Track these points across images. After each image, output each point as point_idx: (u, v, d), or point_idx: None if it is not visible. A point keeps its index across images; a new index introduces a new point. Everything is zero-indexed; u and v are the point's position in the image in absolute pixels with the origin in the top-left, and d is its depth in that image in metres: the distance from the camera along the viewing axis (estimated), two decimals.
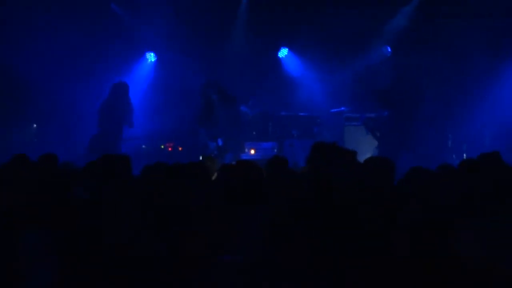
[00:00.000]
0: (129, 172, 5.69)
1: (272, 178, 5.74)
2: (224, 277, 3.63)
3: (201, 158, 11.01)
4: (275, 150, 13.55)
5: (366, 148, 12.76)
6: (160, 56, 15.66)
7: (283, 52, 15.83)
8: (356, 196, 4.81)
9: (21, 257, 4.04)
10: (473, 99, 14.09)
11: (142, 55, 15.68)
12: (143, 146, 12.80)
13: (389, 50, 15.27)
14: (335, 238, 4.00)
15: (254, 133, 14.04)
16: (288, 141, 13.93)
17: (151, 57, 15.72)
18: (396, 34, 15.12)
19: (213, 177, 7.96)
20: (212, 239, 4.09)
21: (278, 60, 15.92)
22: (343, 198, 4.87)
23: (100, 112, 12.28)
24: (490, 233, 4.42)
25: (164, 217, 4.45)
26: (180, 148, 14.59)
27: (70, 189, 5.27)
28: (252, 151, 13.52)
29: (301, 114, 14.63)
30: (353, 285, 3.72)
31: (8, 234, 4.25)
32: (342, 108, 14.52)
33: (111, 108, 12.21)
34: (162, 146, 14.42)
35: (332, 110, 14.72)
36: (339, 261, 3.84)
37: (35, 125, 15.04)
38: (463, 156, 13.33)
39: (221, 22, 15.22)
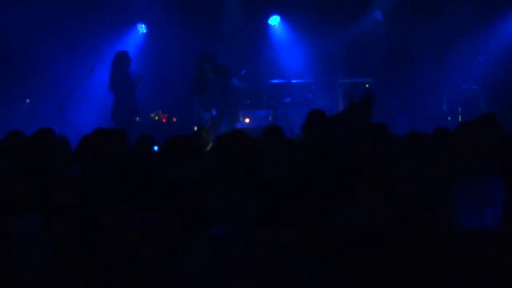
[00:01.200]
0: (123, 146, 5.67)
1: (268, 147, 5.73)
2: (215, 249, 3.61)
3: (195, 128, 10.98)
4: (270, 118, 13.52)
5: None
6: (151, 28, 15.56)
7: (275, 20, 15.74)
8: (354, 163, 4.78)
9: (16, 236, 4.01)
10: (468, 61, 14.04)
11: (133, 26, 15.58)
12: (137, 118, 12.75)
13: (381, 15, 15.18)
14: (332, 208, 3.99)
15: (248, 101, 14.01)
16: (282, 109, 13.89)
17: (142, 28, 15.62)
18: None
19: (208, 147, 7.96)
20: (205, 211, 4.07)
21: (269, 27, 15.83)
22: (342, 165, 4.85)
23: (115, 83, 12.28)
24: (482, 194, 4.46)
25: (158, 190, 4.43)
26: (174, 119, 14.54)
27: (66, 165, 5.25)
28: (247, 120, 13.48)
29: (294, 81, 14.57)
30: (350, 267, 3.70)
31: (3, 213, 4.23)
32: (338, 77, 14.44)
33: (123, 77, 12.26)
34: (156, 118, 14.37)
35: (326, 77, 14.65)
36: (334, 236, 3.82)
37: (28, 100, 14.96)
38: (458, 119, 13.32)
39: None
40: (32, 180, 4.47)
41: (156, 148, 7.11)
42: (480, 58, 13.83)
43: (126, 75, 12.25)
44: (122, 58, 12.36)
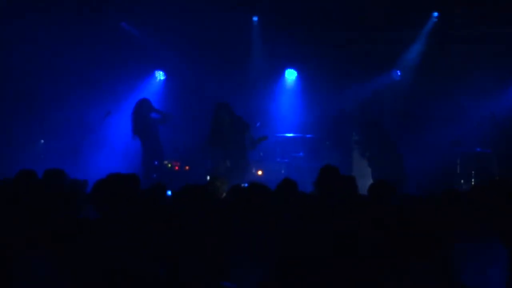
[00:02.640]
0: (137, 192, 5.67)
1: (282, 201, 5.70)
2: None
3: (208, 178, 10.97)
4: (283, 171, 13.47)
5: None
6: (170, 75, 15.67)
7: (292, 73, 15.80)
8: (356, 222, 4.76)
9: (25, 278, 3.99)
10: (483, 124, 14.01)
11: (151, 73, 15.69)
12: (156, 163, 12.83)
13: (398, 74, 15.25)
14: (345, 267, 3.95)
15: (261, 154, 13.97)
16: (295, 163, 13.85)
17: (160, 75, 15.73)
18: (406, 58, 15.13)
19: (222, 197, 7.94)
20: (215, 264, 4.04)
21: (286, 81, 15.90)
22: (344, 224, 4.83)
23: (141, 131, 12.47)
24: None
25: (170, 239, 4.41)
26: (187, 168, 14.53)
27: (80, 207, 5.24)
28: (260, 172, 13.46)
29: (309, 135, 14.57)
30: None
31: (12, 253, 4.20)
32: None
33: (147, 124, 12.45)
34: (169, 165, 14.37)
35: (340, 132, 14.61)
36: None
37: (42, 141, 15.01)
38: (471, 182, 13.25)
39: (231, 43, 15.20)
40: (42, 220, 4.46)
41: (169, 193, 7.10)
42: (495, 118, 13.77)
43: (150, 123, 12.45)
44: (143, 106, 12.54)
